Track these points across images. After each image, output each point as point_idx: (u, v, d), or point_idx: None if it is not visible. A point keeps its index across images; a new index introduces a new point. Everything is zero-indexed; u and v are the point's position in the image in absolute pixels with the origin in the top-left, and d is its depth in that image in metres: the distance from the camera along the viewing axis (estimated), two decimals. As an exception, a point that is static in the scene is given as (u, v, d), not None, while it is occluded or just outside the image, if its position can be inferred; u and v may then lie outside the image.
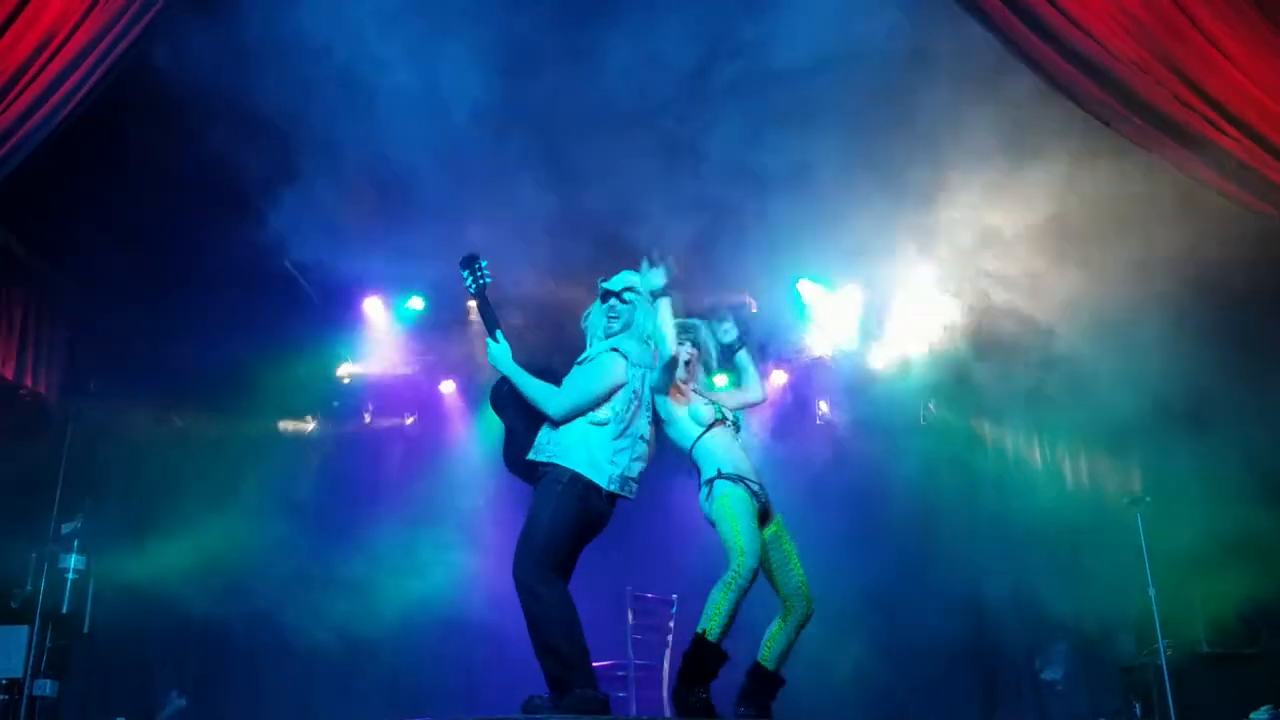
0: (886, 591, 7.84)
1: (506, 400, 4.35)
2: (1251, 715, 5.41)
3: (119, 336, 7.73)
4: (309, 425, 8.97)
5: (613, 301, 4.41)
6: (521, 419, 4.33)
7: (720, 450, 4.63)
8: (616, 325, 4.40)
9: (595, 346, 4.41)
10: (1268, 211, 4.51)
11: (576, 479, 4.11)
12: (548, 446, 4.19)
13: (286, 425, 8.79)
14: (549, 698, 3.94)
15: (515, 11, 5.80)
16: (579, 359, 4.42)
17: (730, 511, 4.49)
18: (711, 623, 4.42)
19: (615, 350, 4.29)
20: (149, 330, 7.65)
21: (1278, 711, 5.39)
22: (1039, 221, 6.46)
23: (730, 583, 4.43)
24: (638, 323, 4.40)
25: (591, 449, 4.16)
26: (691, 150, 6.49)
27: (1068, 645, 7.29)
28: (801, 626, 4.67)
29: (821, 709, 7.49)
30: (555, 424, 4.22)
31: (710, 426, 4.65)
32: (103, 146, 6.19)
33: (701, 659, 4.46)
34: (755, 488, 4.58)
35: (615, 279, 4.47)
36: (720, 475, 4.56)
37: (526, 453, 4.25)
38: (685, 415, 4.65)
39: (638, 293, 4.42)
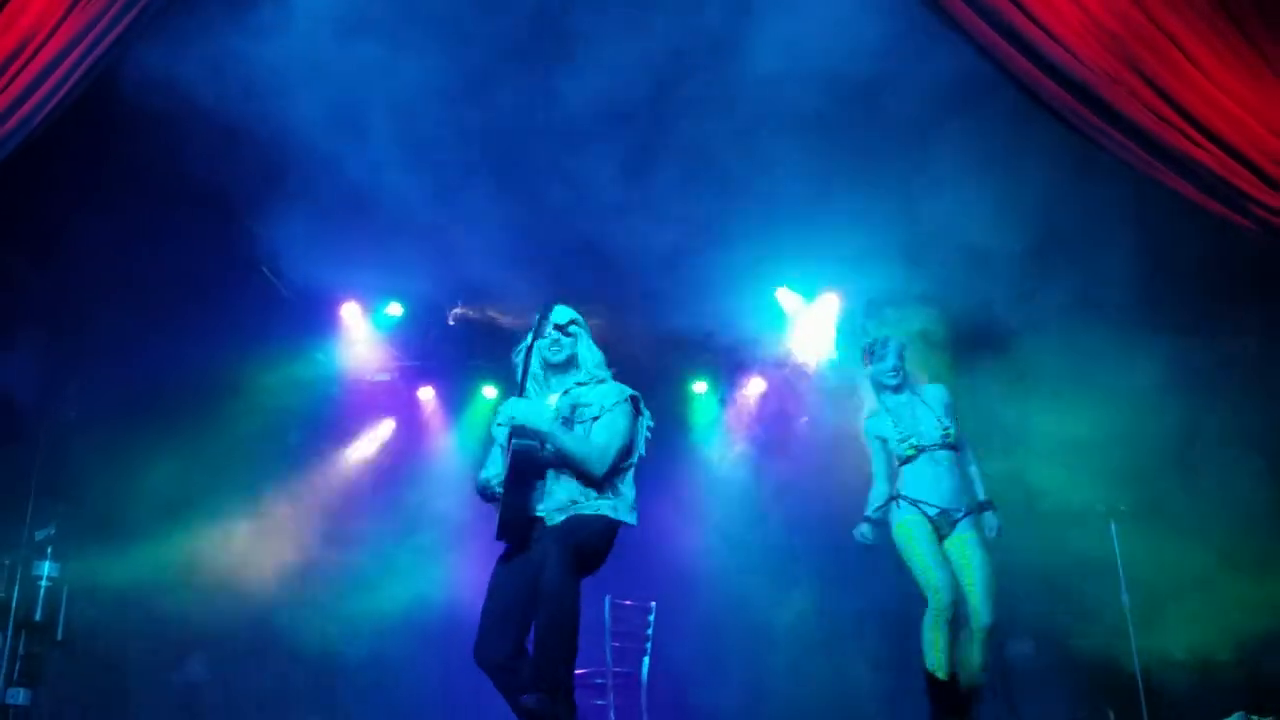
0: (870, 603, 7.89)
1: (530, 464, 4.13)
2: (1223, 721, 5.45)
3: (95, 340, 7.68)
4: (286, 431, 8.93)
5: (556, 335, 4.33)
6: (541, 480, 4.18)
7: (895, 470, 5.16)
8: (560, 357, 4.32)
9: (601, 393, 4.29)
10: (1241, 223, 4.56)
11: (612, 525, 4.14)
12: (586, 504, 4.11)
13: (263, 431, 8.74)
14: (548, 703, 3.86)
15: (489, 22, 5.80)
16: (571, 405, 4.27)
17: (906, 545, 4.98)
18: (928, 660, 4.85)
19: (631, 399, 4.29)
20: (125, 334, 7.60)
21: (1249, 718, 5.42)
22: (1022, 233, 6.50)
23: (934, 621, 4.86)
24: (582, 355, 4.34)
25: (624, 492, 4.22)
26: (668, 159, 6.52)
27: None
28: (974, 640, 4.92)
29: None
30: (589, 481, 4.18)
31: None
32: (82, 150, 6.16)
33: (936, 696, 4.86)
34: (931, 511, 5.00)
35: (558, 311, 4.38)
36: (897, 498, 5.10)
37: (532, 513, 4.14)
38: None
39: (580, 325, 4.39)
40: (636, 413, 4.31)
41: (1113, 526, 6.35)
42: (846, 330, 8.24)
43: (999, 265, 6.64)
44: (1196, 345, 6.30)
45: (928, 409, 5.25)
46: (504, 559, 4.18)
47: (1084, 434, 6.72)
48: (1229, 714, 5.45)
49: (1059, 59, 4.50)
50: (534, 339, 4.30)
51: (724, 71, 5.98)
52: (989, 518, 5.16)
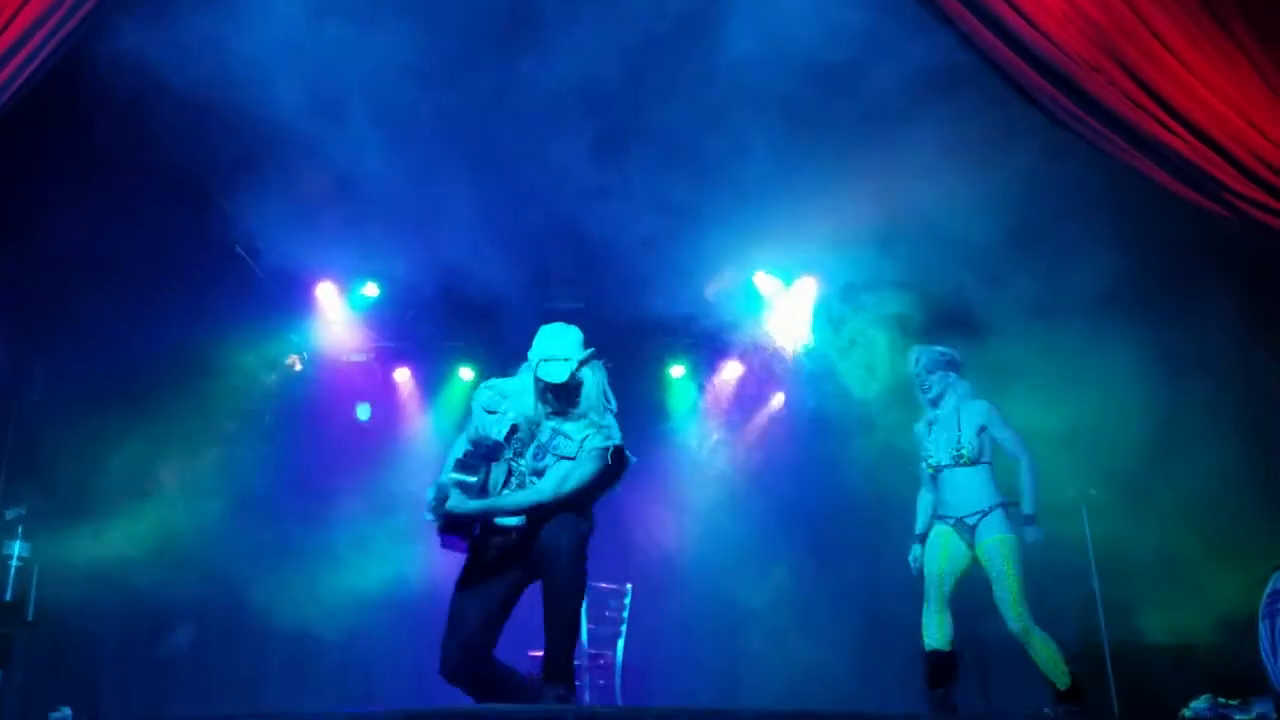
0: (846, 586, 7.94)
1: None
2: (1191, 704, 5.51)
3: (67, 319, 7.60)
4: (261, 412, 8.87)
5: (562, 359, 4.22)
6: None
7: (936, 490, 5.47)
8: (561, 378, 4.20)
9: (586, 433, 4.22)
10: (1217, 211, 4.60)
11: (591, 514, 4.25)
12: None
13: (238, 412, 8.68)
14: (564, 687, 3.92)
15: (464, 3, 5.76)
16: (552, 431, 4.23)
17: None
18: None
19: (607, 451, 4.25)
20: (97, 314, 7.52)
21: (1216, 701, 5.49)
22: (998, 220, 6.51)
23: (925, 600, 5.32)
24: (587, 385, 4.22)
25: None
26: (645, 142, 6.49)
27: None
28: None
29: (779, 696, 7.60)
30: None
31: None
32: (54, 130, 6.08)
33: (925, 667, 5.30)
34: (950, 522, 5.31)
35: (559, 341, 4.25)
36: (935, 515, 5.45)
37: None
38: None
39: (590, 363, 4.26)
40: (610, 463, 4.24)
41: (1084, 510, 6.39)
42: (823, 315, 8.26)
43: (975, 252, 6.66)
44: (1173, 333, 6.34)
45: (954, 427, 5.37)
46: (470, 571, 4.19)
47: (1059, 419, 6.76)
48: (1197, 697, 5.52)
49: (1041, 48, 4.52)
50: (538, 363, 4.22)
51: (701, 55, 5.96)
52: (1028, 531, 5.23)
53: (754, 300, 8.55)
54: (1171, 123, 4.48)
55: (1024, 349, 6.66)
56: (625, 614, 7.27)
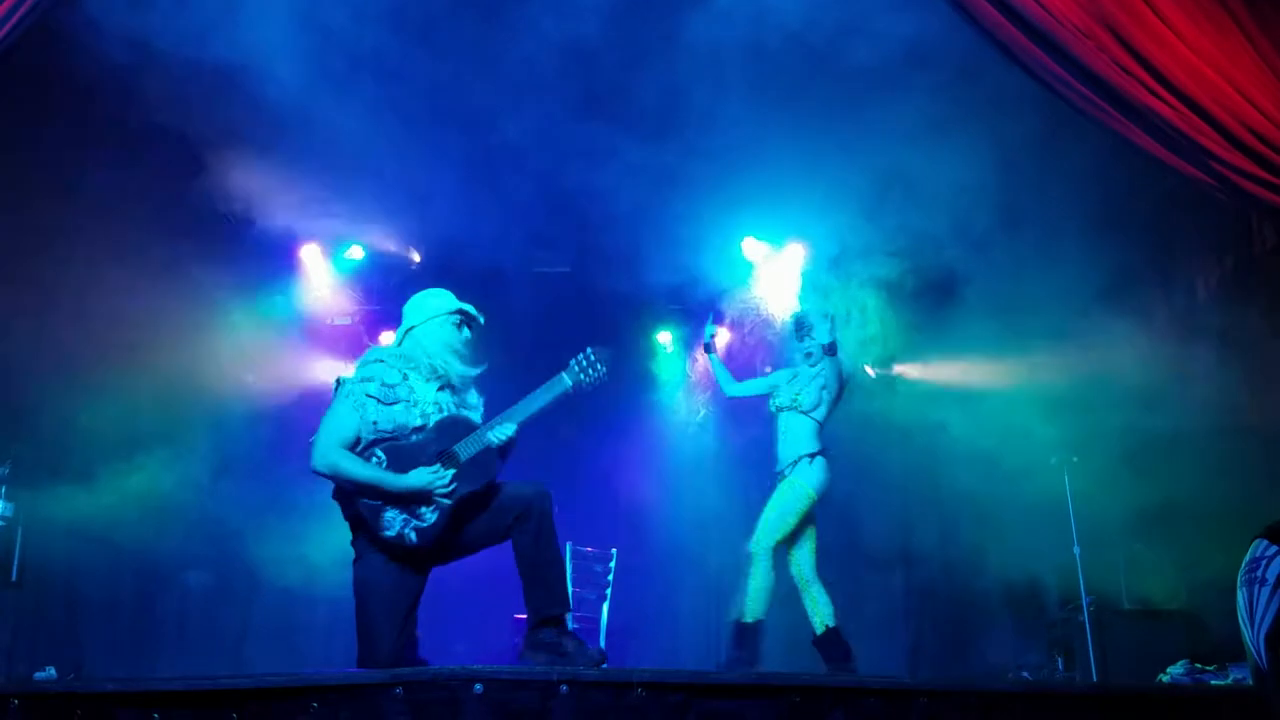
0: (821, 550, 7.96)
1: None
2: (1169, 669, 5.57)
3: (47, 279, 7.53)
4: (245, 373, 8.83)
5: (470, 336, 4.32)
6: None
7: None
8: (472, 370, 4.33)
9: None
10: (1200, 178, 4.60)
11: None
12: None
13: (222, 373, 8.64)
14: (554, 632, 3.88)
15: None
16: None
17: None
18: None
19: None
20: (80, 274, 7.46)
21: (1194, 667, 5.55)
22: (987, 187, 6.51)
23: None
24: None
25: None
26: (634, 108, 6.45)
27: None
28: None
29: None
30: None
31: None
32: (39, 90, 6.01)
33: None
34: (777, 479, 5.59)
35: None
36: None
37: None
38: None
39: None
40: None
41: (1065, 478, 6.44)
42: (810, 281, 8.24)
43: (962, 218, 6.65)
44: (1158, 296, 6.36)
45: (806, 379, 5.68)
46: (400, 564, 4.18)
47: (1042, 384, 6.79)
48: (1174, 663, 5.58)
49: (1032, 13, 4.49)
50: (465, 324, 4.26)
51: (690, 19, 5.92)
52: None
53: (742, 266, 8.52)
54: (1161, 90, 4.47)
55: (1007, 314, 6.69)
56: (610, 577, 7.31)
